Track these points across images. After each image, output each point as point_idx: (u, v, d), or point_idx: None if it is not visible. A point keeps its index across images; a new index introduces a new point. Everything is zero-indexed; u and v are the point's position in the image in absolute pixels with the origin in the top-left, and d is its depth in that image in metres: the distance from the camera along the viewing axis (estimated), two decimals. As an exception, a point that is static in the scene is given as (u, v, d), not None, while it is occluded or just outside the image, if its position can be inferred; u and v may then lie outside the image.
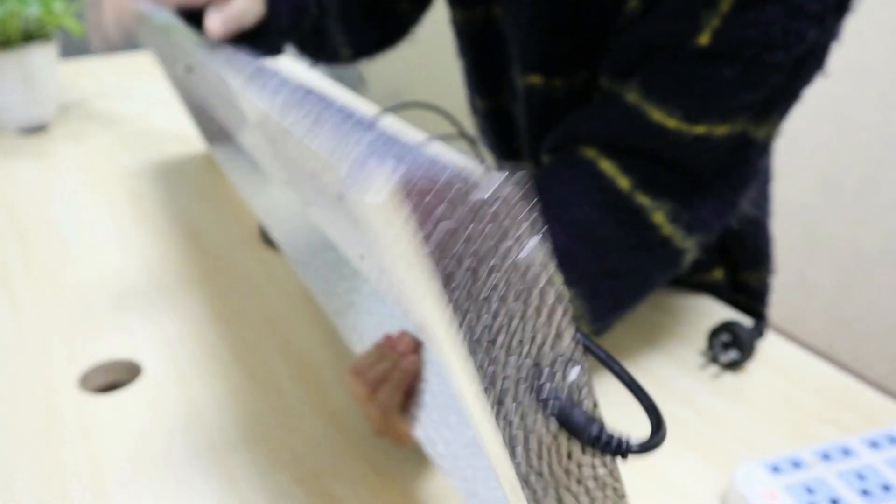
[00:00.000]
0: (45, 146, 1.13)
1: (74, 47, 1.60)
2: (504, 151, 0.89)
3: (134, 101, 1.34)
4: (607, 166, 0.57)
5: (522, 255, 0.24)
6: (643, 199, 0.56)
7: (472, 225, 0.23)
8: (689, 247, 0.58)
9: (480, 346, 0.25)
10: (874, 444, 0.51)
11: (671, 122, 0.55)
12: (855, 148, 1.84)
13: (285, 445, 0.55)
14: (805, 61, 0.54)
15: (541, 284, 0.25)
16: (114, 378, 0.65)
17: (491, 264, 0.23)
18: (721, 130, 0.55)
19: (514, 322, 0.25)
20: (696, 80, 0.54)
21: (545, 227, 0.58)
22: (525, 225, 0.24)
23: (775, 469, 0.48)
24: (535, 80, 0.66)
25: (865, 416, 0.59)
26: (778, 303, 0.81)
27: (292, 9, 0.68)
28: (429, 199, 0.22)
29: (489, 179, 0.23)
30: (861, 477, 0.48)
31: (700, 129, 0.55)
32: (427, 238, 0.22)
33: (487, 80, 0.81)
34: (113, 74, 1.51)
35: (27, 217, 0.90)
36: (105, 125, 1.21)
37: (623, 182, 0.57)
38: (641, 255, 0.57)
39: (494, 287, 0.24)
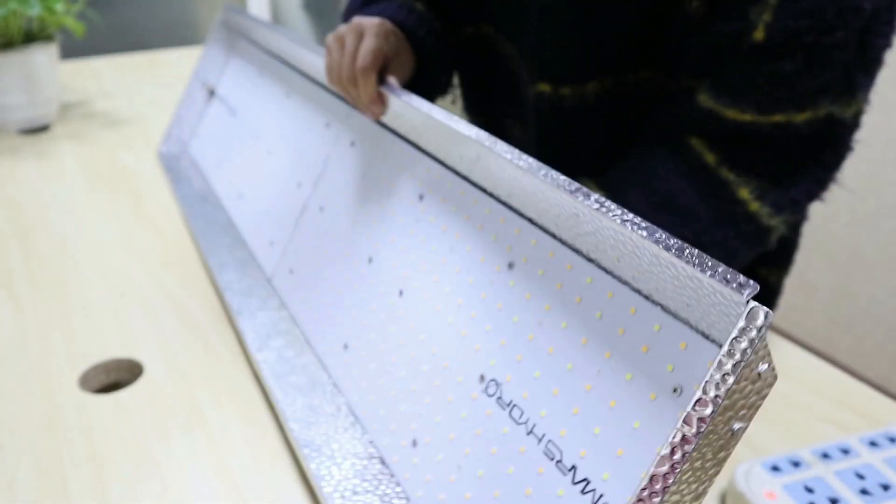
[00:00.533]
0: (47, 146, 1.13)
1: (76, 48, 1.60)
2: None
3: (135, 102, 1.34)
4: (697, 143, 0.58)
5: (736, 425, 0.31)
6: (728, 175, 0.56)
7: (739, 384, 0.30)
8: (777, 225, 0.58)
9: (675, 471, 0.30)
10: (873, 444, 0.51)
11: (746, 117, 0.55)
12: (855, 148, 1.84)
13: (287, 445, 0.55)
14: (870, 30, 0.53)
15: (720, 456, 0.31)
16: (116, 377, 0.65)
17: (723, 417, 0.30)
18: (801, 117, 0.55)
19: (691, 466, 0.30)
20: (759, 77, 0.54)
21: (629, 191, 0.58)
22: (752, 411, 0.31)
23: (774, 468, 0.48)
24: (544, 87, 0.66)
25: (865, 415, 0.59)
26: (779, 302, 0.81)
27: (441, 61, 0.69)
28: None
29: (769, 364, 0.30)
30: (860, 476, 0.48)
31: (778, 118, 0.55)
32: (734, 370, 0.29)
33: (476, 95, 0.81)
34: (114, 75, 1.51)
35: (28, 217, 0.90)
36: (106, 125, 1.22)
37: (710, 157, 0.57)
38: (725, 228, 0.57)
39: (712, 430, 0.30)
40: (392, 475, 0.48)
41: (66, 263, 0.80)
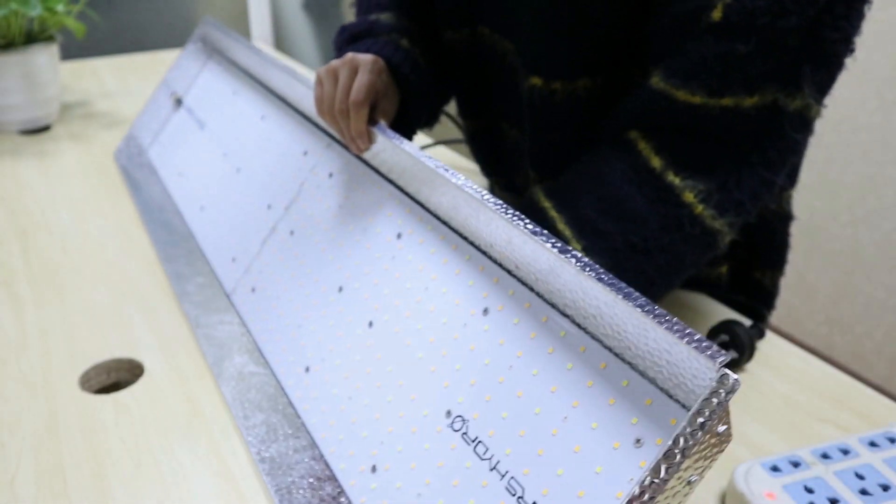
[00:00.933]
0: (47, 146, 1.13)
1: (76, 48, 1.61)
2: (490, 172, 0.89)
3: (135, 102, 1.34)
4: (644, 147, 0.59)
5: (692, 478, 0.34)
6: (674, 179, 0.57)
7: (702, 440, 0.33)
8: (721, 227, 0.58)
9: None
10: (873, 444, 0.51)
11: (696, 99, 0.56)
12: (855, 148, 1.84)
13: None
14: (822, 22, 0.54)
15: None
16: (116, 378, 0.65)
17: (685, 467, 0.33)
18: (749, 102, 0.55)
19: None
20: (712, 57, 0.55)
21: (577, 198, 0.59)
22: (708, 465, 0.34)
23: (774, 469, 0.49)
24: (536, 81, 0.67)
25: (864, 415, 0.59)
26: (777, 303, 0.81)
27: (424, 97, 0.71)
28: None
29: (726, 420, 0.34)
30: (860, 477, 0.48)
31: (727, 102, 0.56)
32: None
33: (473, 100, 0.81)
34: (114, 75, 1.52)
35: (29, 217, 0.90)
36: (107, 126, 1.22)
37: (656, 162, 0.58)
38: (672, 234, 0.58)
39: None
40: (348, 498, 0.48)
41: (66, 263, 0.80)
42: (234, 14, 2.19)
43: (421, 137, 1.01)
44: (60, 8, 1.13)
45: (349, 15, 2.39)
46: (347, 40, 0.71)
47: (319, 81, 0.64)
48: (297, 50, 2.41)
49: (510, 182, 0.85)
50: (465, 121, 0.85)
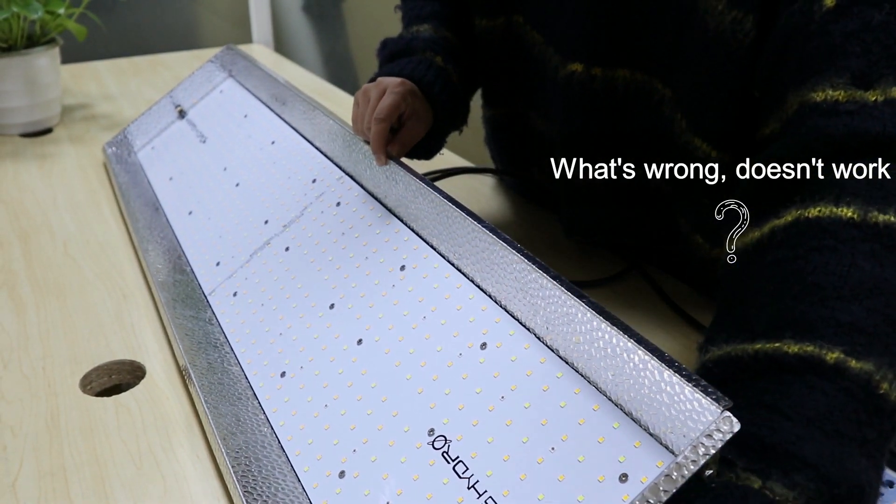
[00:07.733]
0: (49, 149, 1.13)
1: (77, 51, 1.61)
2: (509, 163, 0.90)
3: (136, 104, 1.34)
4: (818, 210, 0.46)
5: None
6: (883, 217, 0.44)
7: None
8: None
9: None
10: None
11: (839, 95, 0.47)
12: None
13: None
14: None
15: None
16: (118, 380, 0.65)
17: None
18: None
19: None
20: (845, 41, 0.47)
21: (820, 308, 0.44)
22: None
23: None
24: (576, 67, 0.67)
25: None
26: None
27: (453, 113, 0.75)
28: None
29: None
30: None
31: (876, 96, 0.46)
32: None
33: (501, 88, 0.83)
34: (115, 78, 1.52)
35: (31, 219, 0.90)
36: (107, 128, 1.22)
37: (847, 212, 0.45)
38: None
39: None
40: (309, 500, 0.48)
41: (68, 265, 0.80)
42: (234, 16, 2.19)
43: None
44: (61, 11, 1.13)
45: (349, 17, 2.39)
46: (387, 58, 0.75)
47: (356, 102, 0.70)
48: (298, 52, 2.41)
49: (528, 174, 0.86)
50: (491, 109, 0.87)
